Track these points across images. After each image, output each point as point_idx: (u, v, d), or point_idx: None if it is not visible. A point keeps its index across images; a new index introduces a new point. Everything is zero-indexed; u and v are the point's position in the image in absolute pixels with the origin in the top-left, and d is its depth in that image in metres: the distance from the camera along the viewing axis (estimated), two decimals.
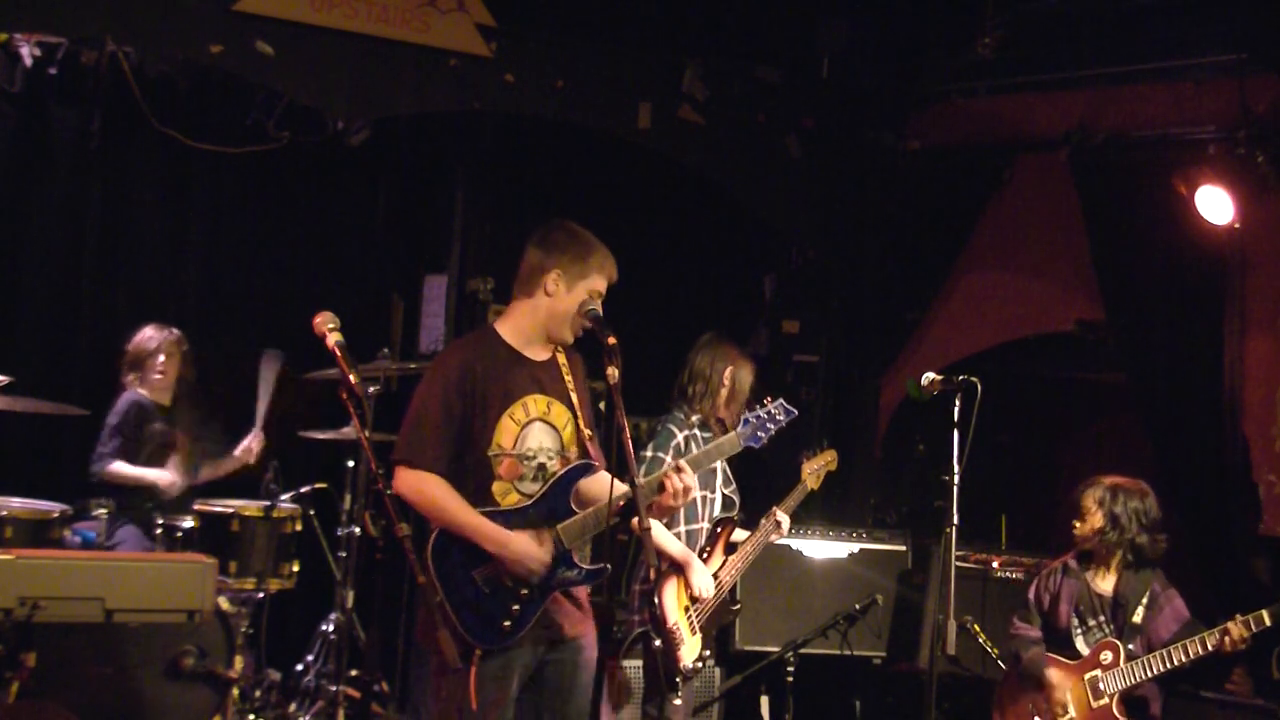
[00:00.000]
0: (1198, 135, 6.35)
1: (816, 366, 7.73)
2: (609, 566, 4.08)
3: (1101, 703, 5.18)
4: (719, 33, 7.14)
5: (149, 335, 6.21)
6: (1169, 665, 5.10)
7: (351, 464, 6.29)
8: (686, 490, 4.05)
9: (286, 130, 6.80)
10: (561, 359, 4.16)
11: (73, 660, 4.86)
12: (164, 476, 6.13)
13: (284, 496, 6.11)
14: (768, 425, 4.66)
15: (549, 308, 4.05)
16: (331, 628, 6.21)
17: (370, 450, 3.70)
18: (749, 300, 7.93)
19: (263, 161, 6.86)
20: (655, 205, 7.50)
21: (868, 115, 7.54)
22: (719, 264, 7.86)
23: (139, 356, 6.18)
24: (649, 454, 5.22)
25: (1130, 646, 5.22)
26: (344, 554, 6.23)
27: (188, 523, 5.95)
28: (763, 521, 5.41)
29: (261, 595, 6.04)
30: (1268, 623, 5.00)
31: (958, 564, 4.87)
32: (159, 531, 5.93)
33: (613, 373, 3.81)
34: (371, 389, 5.79)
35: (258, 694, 6.04)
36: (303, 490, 6.24)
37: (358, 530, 6.17)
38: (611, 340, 3.84)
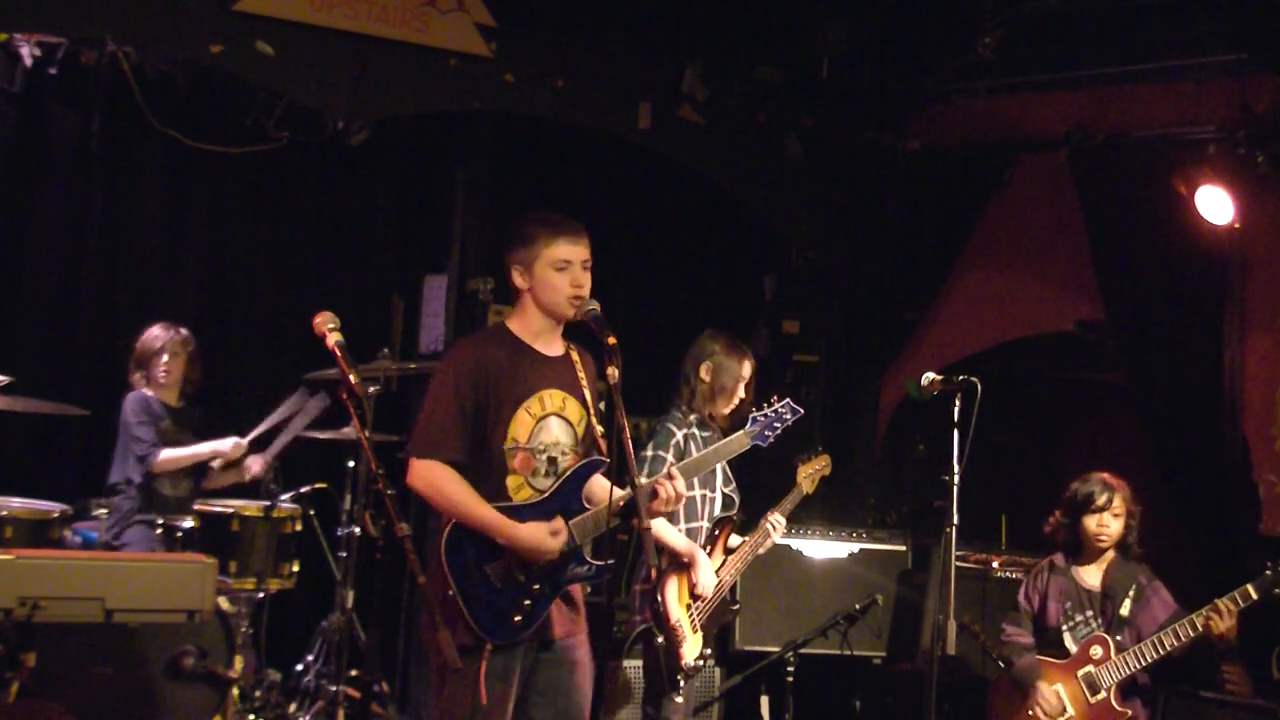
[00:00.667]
0: (1198, 135, 6.34)
1: (816, 366, 7.73)
2: (613, 561, 4.11)
3: (1099, 697, 5.16)
4: (719, 33, 7.14)
5: (156, 334, 6.19)
6: (1162, 651, 5.09)
7: (351, 464, 6.29)
8: (679, 496, 4.09)
9: (286, 130, 6.79)
10: (575, 356, 4.17)
11: (73, 660, 4.86)
12: (222, 443, 6.13)
13: (284, 496, 6.11)
14: (775, 424, 4.64)
15: (532, 298, 4.08)
16: (332, 628, 6.21)
17: (370, 450, 3.69)
18: (749, 300, 7.93)
19: (263, 161, 6.85)
20: (655, 205, 7.51)
21: (868, 115, 7.54)
22: (719, 264, 7.85)
23: (145, 355, 6.17)
24: (650, 453, 5.22)
25: (1119, 639, 5.21)
26: (344, 554, 6.23)
27: (188, 523, 5.94)
28: (760, 523, 5.41)
29: (261, 595, 6.05)
30: (1254, 596, 4.99)
31: (958, 564, 4.87)
32: (159, 532, 5.92)
33: (613, 373, 3.83)
34: (371, 389, 5.78)
35: (258, 694, 6.04)
36: (303, 490, 6.25)
37: (358, 530, 6.17)
38: (612, 340, 3.85)
